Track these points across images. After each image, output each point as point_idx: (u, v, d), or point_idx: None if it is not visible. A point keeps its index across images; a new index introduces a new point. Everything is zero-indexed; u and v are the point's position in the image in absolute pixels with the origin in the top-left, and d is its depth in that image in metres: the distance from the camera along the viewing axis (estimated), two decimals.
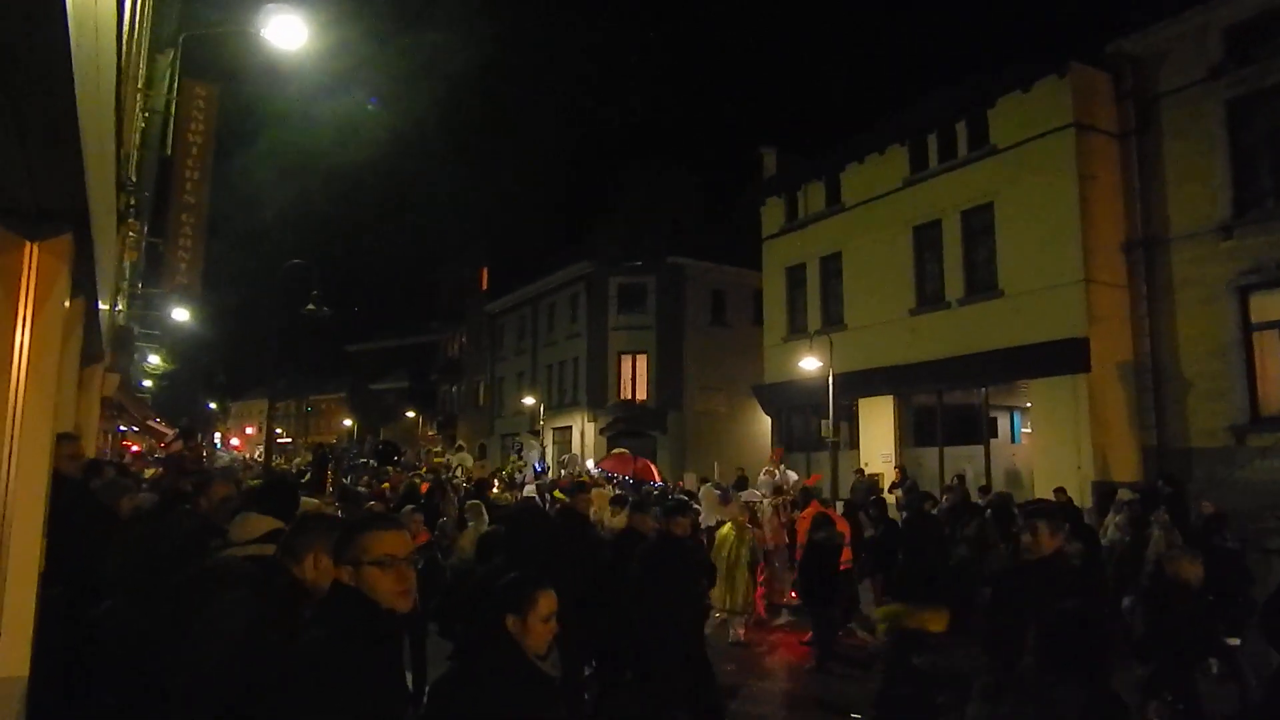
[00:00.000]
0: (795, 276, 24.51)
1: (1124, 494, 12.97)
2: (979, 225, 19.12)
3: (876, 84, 65.33)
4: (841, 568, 10.54)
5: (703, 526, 13.03)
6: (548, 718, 2.88)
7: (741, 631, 10.73)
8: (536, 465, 22.22)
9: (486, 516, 9.48)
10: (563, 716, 2.97)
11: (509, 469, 20.99)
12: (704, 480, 18.18)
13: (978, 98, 19.07)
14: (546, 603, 2.98)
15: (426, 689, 6.87)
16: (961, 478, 16.83)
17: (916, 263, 20.55)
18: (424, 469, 15.42)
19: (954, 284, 19.47)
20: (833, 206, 23.21)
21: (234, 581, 2.96)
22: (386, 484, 16.01)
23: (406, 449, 31.77)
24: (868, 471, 19.40)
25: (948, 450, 19.38)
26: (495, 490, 14.46)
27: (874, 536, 11.16)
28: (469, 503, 10.39)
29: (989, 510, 11.25)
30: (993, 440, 19.22)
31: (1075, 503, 14.28)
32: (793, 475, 18.39)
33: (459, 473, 20.80)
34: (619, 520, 9.43)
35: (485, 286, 44.66)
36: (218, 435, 66.09)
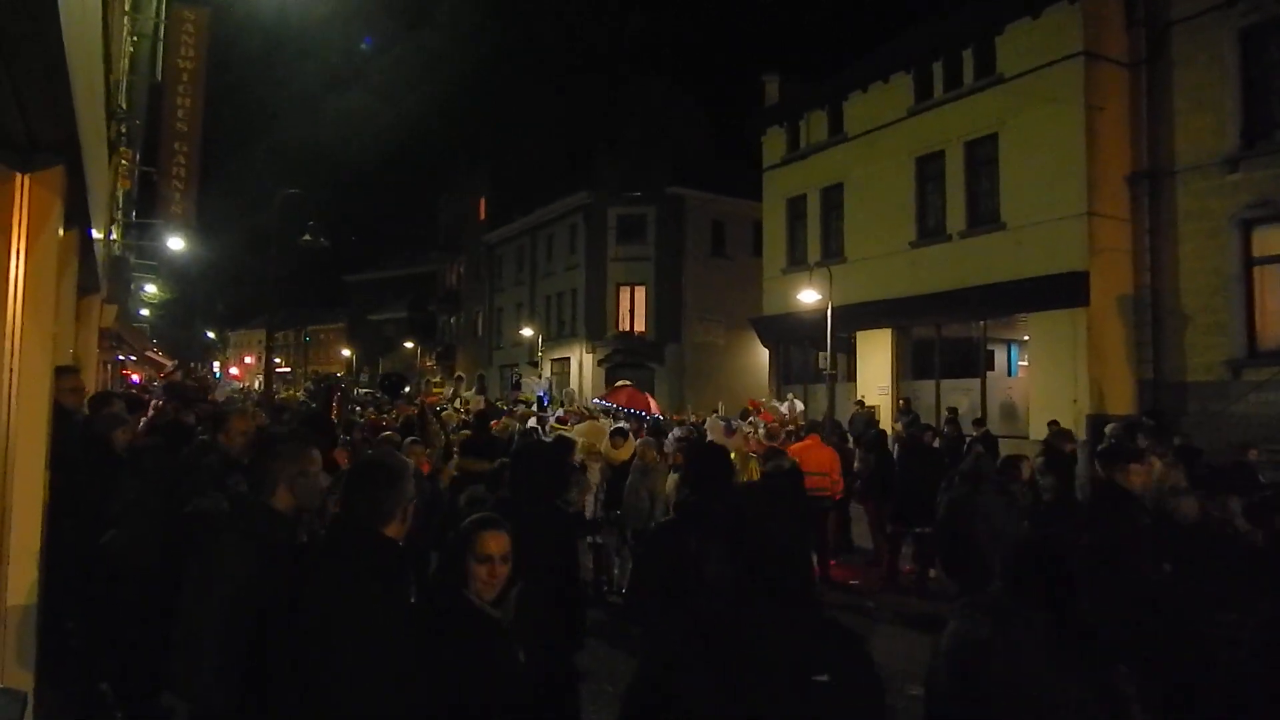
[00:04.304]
0: (796, 208, 24.30)
1: (1112, 428, 13.04)
2: (983, 156, 18.89)
3: (884, 5, 63.76)
4: (823, 496, 10.46)
5: None
6: (487, 659, 2.71)
7: None
8: (542, 396, 22.28)
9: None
10: (509, 659, 2.78)
11: (521, 406, 20.90)
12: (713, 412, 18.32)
13: (986, 23, 18.63)
14: (484, 543, 2.81)
15: None
16: (954, 411, 17.00)
17: (918, 194, 20.35)
18: (427, 400, 15.50)
19: (956, 216, 19.31)
20: (835, 136, 22.88)
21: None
22: (372, 414, 16.11)
23: (411, 381, 31.84)
24: (865, 404, 19.60)
25: (944, 383, 19.48)
26: (498, 424, 14.48)
27: (868, 468, 11.28)
28: (461, 432, 10.44)
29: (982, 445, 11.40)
30: (989, 373, 19.32)
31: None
32: (799, 405, 18.51)
33: (458, 403, 20.88)
34: (622, 454, 9.50)
35: (484, 216, 44.28)
36: (216, 364, 66.25)
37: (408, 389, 23.78)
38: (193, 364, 41.06)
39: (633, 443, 9.74)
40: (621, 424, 11.83)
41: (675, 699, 2.06)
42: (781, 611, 2.09)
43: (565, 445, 8.53)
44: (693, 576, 3.17)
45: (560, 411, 18.29)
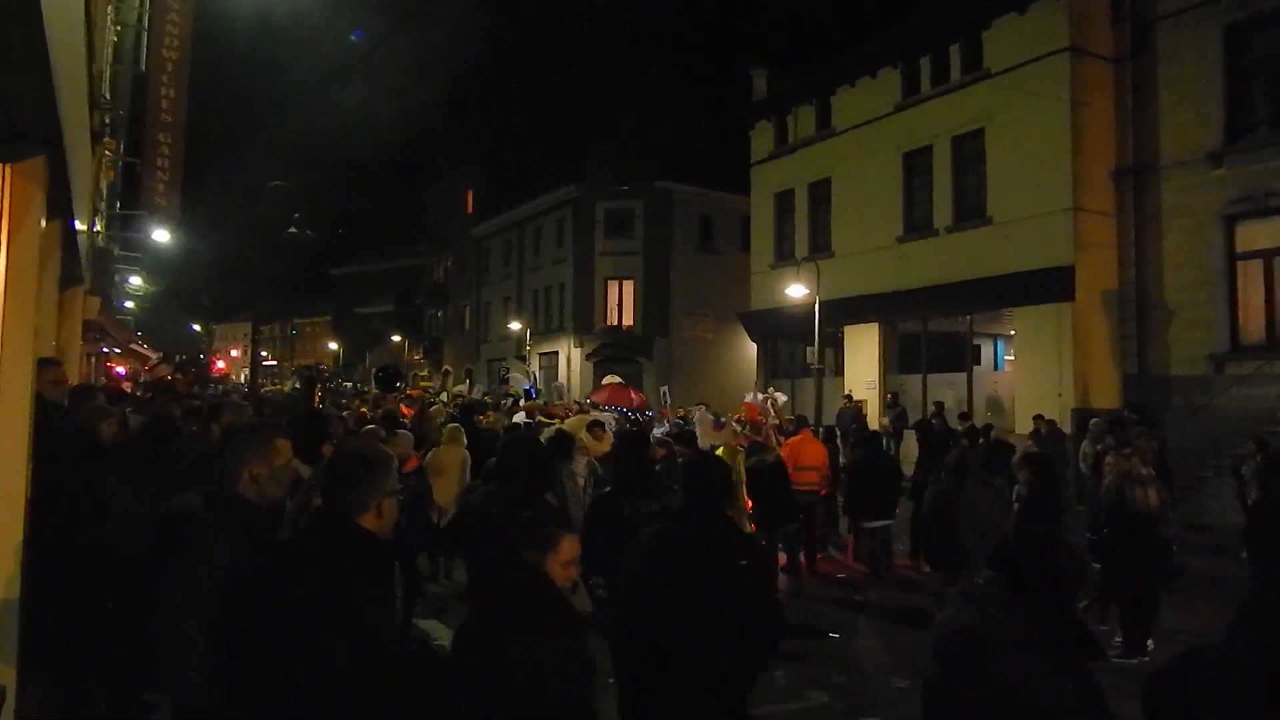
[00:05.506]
0: (784, 202, 24.33)
1: (1095, 423, 13.14)
2: (969, 152, 18.96)
3: (873, 1, 63.83)
4: (806, 489, 10.49)
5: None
6: (583, 650, 2.72)
7: None
8: (529, 390, 22.24)
9: (465, 439, 9.61)
10: (590, 652, 2.78)
11: (507, 398, 20.87)
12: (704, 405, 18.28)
13: (973, 18, 18.68)
14: (569, 547, 2.83)
15: (416, 610, 7.03)
16: (940, 406, 17.09)
17: (905, 189, 20.41)
18: (413, 394, 15.43)
19: (942, 211, 19.37)
20: (823, 131, 22.90)
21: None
22: (360, 407, 16.03)
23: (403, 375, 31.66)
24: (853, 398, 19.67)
25: (931, 377, 19.56)
26: (487, 417, 14.42)
27: (851, 460, 11.32)
28: (449, 426, 10.38)
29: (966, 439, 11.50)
30: (976, 368, 19.41)
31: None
32: (781, 397, 18.53)
33: (444, 397, 20.82)
34: (601, 446, 9.47)
35: (471, 210, 44.12)
36: (201, 357, 65.80)
37: (401, 384, 23.67)
38: (180, 356, 40.77)
39: (610, 435, 9.73)
40: (599, 417, 11.80)
41: (642, 601, 3.25)
42: (709, 530, 3.39)
43: (564, 441, 8.46)
44: (627, 531, 4.11)
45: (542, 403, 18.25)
